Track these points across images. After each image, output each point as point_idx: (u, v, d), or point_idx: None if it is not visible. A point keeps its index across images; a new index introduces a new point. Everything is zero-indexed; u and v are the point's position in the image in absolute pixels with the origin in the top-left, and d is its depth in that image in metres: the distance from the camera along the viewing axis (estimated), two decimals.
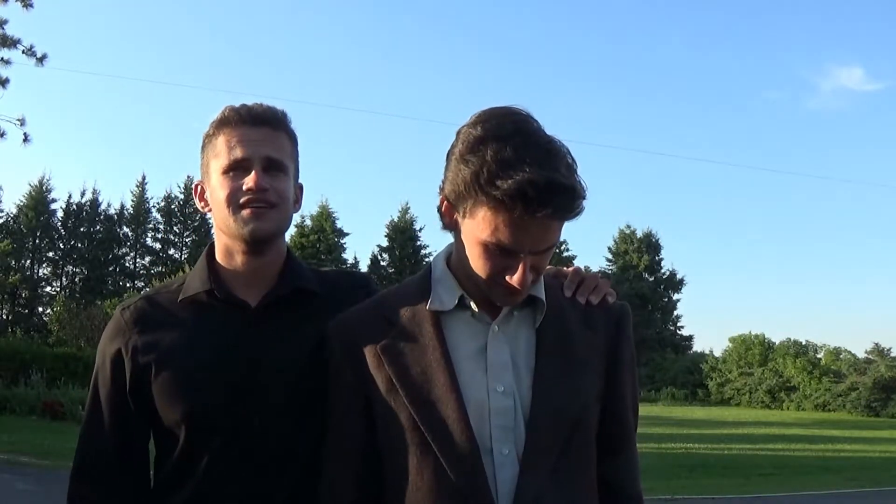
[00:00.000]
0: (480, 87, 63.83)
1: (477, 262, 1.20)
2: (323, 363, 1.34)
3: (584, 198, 1.15)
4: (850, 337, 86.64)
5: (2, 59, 13.68)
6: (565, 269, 1.42)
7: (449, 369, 1.22)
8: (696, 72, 62.31)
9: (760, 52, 62.30)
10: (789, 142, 62.03)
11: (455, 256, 1.27)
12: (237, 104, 1.42)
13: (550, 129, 1.20)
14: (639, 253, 47.35)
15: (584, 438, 1.27)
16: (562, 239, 1.22)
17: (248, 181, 1.35)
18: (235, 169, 1.37)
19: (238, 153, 1.37)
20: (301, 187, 1.50)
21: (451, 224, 1.24)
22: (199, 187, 1.47)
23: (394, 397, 1.23)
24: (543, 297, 1.27)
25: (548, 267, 1.37)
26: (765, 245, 64.25)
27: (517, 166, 1.09)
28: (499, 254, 1.17)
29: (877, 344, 34.52)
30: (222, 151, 1.38)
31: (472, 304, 1.26)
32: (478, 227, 1.16)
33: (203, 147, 1.44)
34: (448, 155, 1.21)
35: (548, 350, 1.26)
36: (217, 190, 1.39)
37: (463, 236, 1.22)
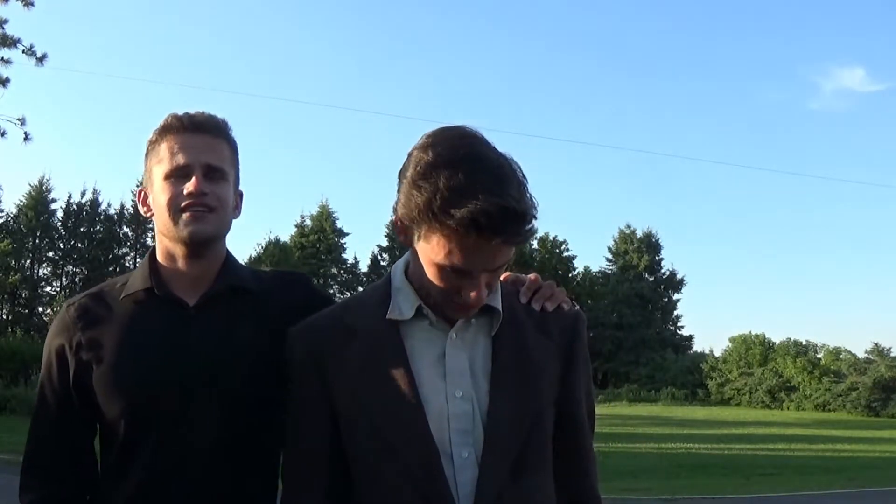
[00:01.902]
0: (480, 87, 63.95)
1: (432, 282, 1.23)
2: (259, 360, 1.41)
3: (535, 218, 1.18)
4: (850, 337, 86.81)
5: (2, 58, 13.69)
6: (524, 276, 1.45)
7: (409, 376, 1.25)
8: (697, 72, 62.41)
9: (762, 53, 62.40)
10: (790, 142, 62.09)
11: (412, 267, 1.30)
12: (181, 112, 1.47)
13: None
14: (639, 253, 47.32)
15: (541, 441, 1.30)
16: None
17: (189, 186, 1.40)
18: (177, 175, 1.42)
19: (180, 159, 1.42)
20: (241, 194, 1.55)
21: (406, 243, 1.27)
22: (143, 193, 1.51)
23: (356, 404, 1.27)
24: (500, 307, 1.30)
25: (507, 273, 1.41)
26: (765, 245, 64.38)
27: (469, 194, 1.11)
28: (453, 274, 1.20)
29: (877, 344, 34.57)
30: (165, 158, 1.43)
31: (430, 314, 1.29)
32: (432, 250, 1.19)
33: (147, 153, 1.48)
34: (399, 176, 1.22)
35: (504, 356, 1.29)
36: (159, 195, 1.44)
37: (419, 256, 1.25)
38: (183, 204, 1.41)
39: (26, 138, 13.50)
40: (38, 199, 39.97)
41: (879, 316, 60.21)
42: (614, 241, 48.79)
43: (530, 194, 1.18)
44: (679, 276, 47.98)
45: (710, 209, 62.79)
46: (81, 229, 41.46)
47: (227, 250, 1.54)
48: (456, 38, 66.47)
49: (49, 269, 41.46)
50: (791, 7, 62.03)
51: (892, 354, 33.87)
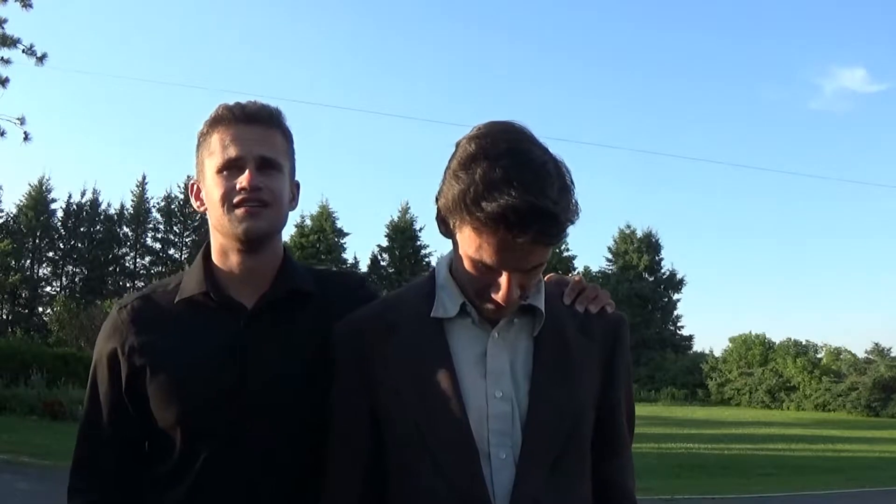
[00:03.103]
0: (480, 87, 63.95)
1: (466, 276, 1.23)
2: (320, 364, 1.35)
3: (571, 222, 1.16)
4: (850, 337, 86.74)
5: (2, 58, 13.68)
6: (567, 277, 1.44)
7: (450, 375, 1.24)
8: (697, 72, 62.36)
9: (762, 53, 62.35)
10: (791, 142, 62.06)
11: (456, 263, 1.28)
12: (231, 102, 1.42)
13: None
14: (639, 253, 47.28)
15: (580, 444, 1.29)
16: None
17: (242, 180, 1.35)
18: (230, 168, 1.37)
19: (232, 152, 1.37)
20: (297, 185, 1.50)
21: (446, 233, 1.25)
22: (195, 186, 1.46)
23: (396, 401, 1.25)
24: (542, 307, 1.29)
25: (551, 274, 1.40)
26: (765, 245, 64.32)
27: (503, 189, 1.10)
28: (484, 270, 1.19)
29: (877, 344, 34.57)
30: (216, 150, 1.38)
31: (473, 312, 1.27)
32: (465, 242, 1.19)
33: (198, 146, 1.44)
34: (446, 165, 1.21)
35: (545, 358, 1.28)
36: (212, 189, 1.39)
37: (456, 248, 1.24)
38: (236, 199, 1.36)
39: (26, 138, 13.51)
40: (38, 199, 39.99)
41: (879, 316, 60.25)
42: (614, 241, 48.76)
43: (574, 200, 1.16)
44: (679, 276, 47.96)
45: (710, 209, 62.85)
46: (81, 229, 41.50)
47: (286, 247, 1.49)
48: (455, 38, 66.49)
49: (49, 269, 41.52)
50: (792, 7, 62.05)
51: (892, 354, 33.87)
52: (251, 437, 1.36)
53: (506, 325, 1.28)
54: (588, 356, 1.31)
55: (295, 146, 1.48)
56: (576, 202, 1.16)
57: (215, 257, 1.45)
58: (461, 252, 1.21)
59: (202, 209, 1.45)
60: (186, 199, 43.41)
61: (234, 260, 1.42)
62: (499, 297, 1.19)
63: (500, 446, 1.23)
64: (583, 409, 1.29)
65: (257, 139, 1.38)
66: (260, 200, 1.36)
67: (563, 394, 1.26)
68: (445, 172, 1.20)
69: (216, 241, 1.44)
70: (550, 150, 1.19)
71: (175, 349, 1.39)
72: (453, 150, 1.21)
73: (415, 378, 1.25)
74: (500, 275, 1.18)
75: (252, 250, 1.41)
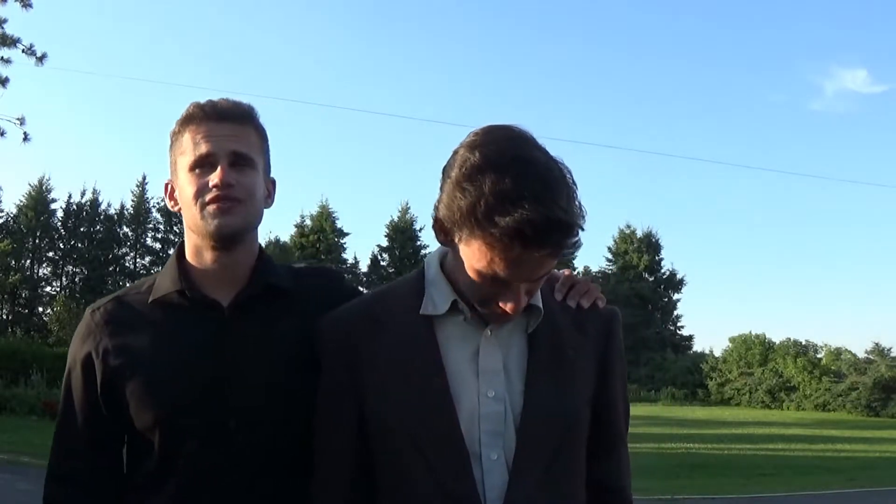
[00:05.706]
0: (480, 86, 63.95)
1: (472, 286, 1.19)
2: (300, 360, 1.33)
3: (582, 228, 1.13)
4: (850, 337, 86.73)
5: (2, 58, 13.70)
6: (557, 272, 1.40)
7: (440, 373, 1.21)
8: (699, 73, 62.35)
9: (764, 54, 62.35)
10: (791, 143, 62.05)
11: (450, 260, 1.25)
12: (203, 100, 1.40)
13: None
14: (639, 253, 47.30)
15: (575, 444, 1.27)
16: None
17: (214, 177, 1.33)
18: (202, 165, 1.35)
19: (203, 149, 1.35)
20: (273, 182, 1.48)
21: (446, 243, 1.22)
22: (170, 186, 1.44)
23: (384, 399, 1.23)
24: (541, 305, 1.26)
25: None
26: (765, 245, 64.33)
27: (515, 202, 1.06)
28: (493, 282, 1.16)
29: (877, 344, 34.53)
30: (188, 148, 1.36)
31: (466, 310, 1.24)
32: (473, 256, 1.14)
33: (171, 145, 1.42)
34: (443, 174, 1.17)
35: (540, 356, 1.25)
36: (184, 187, 1.37)
37: (459, 257, 1.21)
38: (209, 196, 1.33)
39: (26, 138, 13.53)
40: (38, 199, 39.97)
41: (879, 316, 60.21)
42: (614, 241, 48.76)
43: (579, 202, 1.13)
44: (679, 276, 48.02)
45: (711, 209, 62.82)
46: (81, 229, 41.48)
47: (261, 246, 1.47)
48: (455, 38, 66.50)
49: (49, 269, 41.50)
50: (793, 7, 62.04)
51: (892, 354, 33.83)
52: (234, 437, 1.34)
53: (499, 323, 1.25)
54: (582, 352, 1.29)
55: (270, 144, 1.46)
56: (580, 203, 1.13)
57: (190, 256, 1.42)
58: (466, 264, 1.18)
59: (176, 208, 1.42)
60: None
61: (208, 258, 1.40)
62: (509, 307, 1.16)
63: (491, 447, 1.20)
64: (578, 409, 1.26)
65: (229, 135, 1.36)
66: (232, 197, 1.34)
67: (559, 393, 1.24)
68: (445, 181, 1.16)
69: (190, 239, 1.42)
70: (549, 150, 1.16)
71: (151, 350, 1.36)
72: (451, 157, 1.16)
73: (403, 377, 1.22)
74: (510, 285, 1.15)
75: (226, 248, 1.38)
